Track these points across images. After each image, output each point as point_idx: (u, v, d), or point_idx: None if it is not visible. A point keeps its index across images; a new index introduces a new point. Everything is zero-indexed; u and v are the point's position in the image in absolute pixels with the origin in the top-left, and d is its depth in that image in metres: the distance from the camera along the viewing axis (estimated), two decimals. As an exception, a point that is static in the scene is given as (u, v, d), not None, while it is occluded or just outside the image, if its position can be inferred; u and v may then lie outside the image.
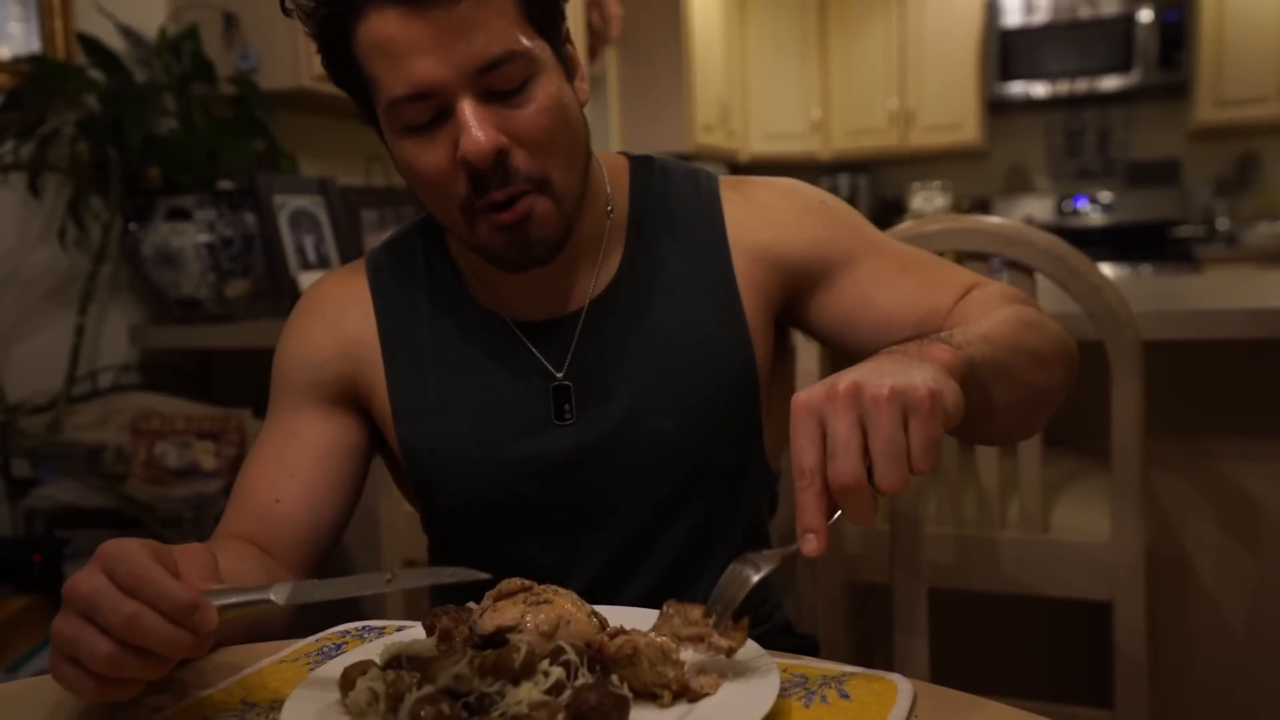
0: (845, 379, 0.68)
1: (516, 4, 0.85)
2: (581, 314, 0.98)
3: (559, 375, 0.97)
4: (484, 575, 0.69)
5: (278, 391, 1.02)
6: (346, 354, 1.00)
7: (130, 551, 0.65)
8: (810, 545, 0.67)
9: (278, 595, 0.67)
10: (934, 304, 0.98)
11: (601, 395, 0.97)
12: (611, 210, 1.00)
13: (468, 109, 0.83)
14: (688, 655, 0.69)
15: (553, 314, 0.98)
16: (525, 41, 0.85)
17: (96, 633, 0.63)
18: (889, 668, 0.73)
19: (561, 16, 0.91)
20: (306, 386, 1.00)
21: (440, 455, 0.98)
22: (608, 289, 0.99)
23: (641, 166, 1.04)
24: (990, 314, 0.90)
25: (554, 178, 0.88)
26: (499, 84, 0.84)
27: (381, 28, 0.82)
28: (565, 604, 0.68)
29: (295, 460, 0.98)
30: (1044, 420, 0.99)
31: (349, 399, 1.01)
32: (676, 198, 1.02)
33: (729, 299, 0.99)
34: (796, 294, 1.02)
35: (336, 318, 1.02)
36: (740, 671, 0.66)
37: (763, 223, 1.01)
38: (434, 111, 0.84)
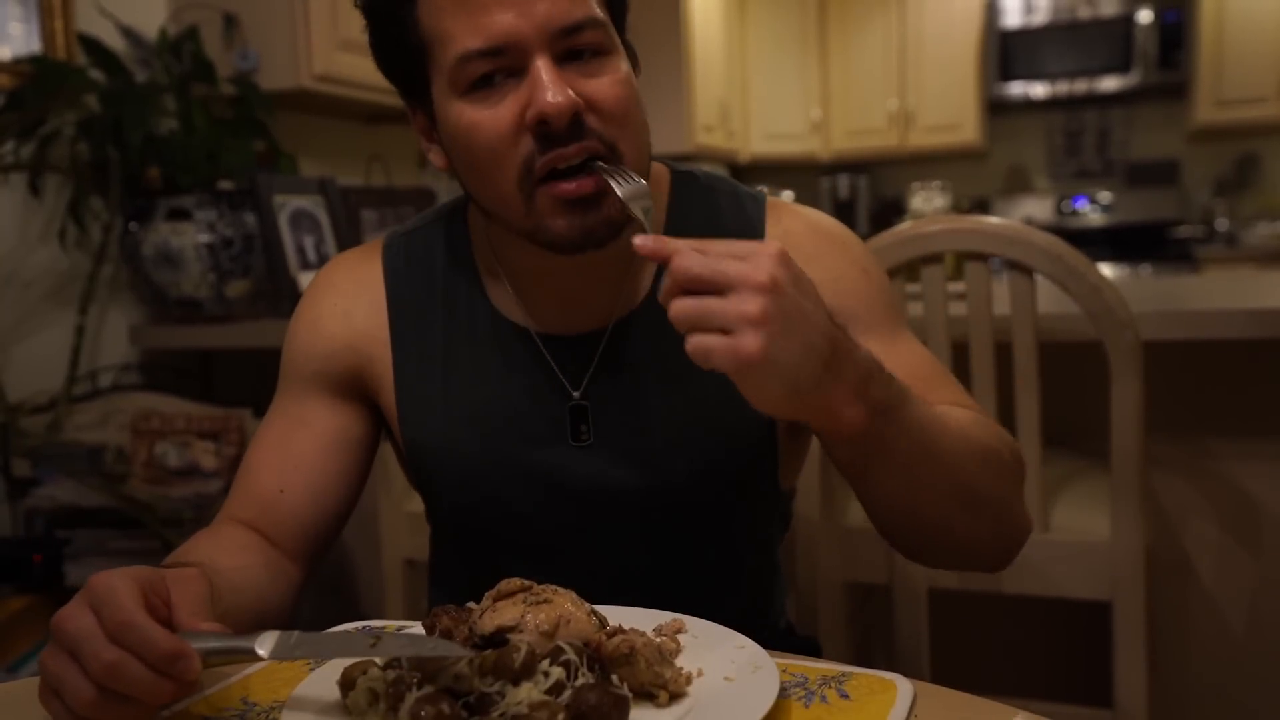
0: (782, 277, 0.67)
1: None
2: (605, 333, 0.94)
3: (575, 394, 0.94)
4: (468, 653, 0.65)
5: (286, 376, 1.01)
6: (354, 347, 0.99)
7: (116, 592, 0.63)
8: (640, 241, 0.69)
9: (262, 648, 0.66)
10: None
11: (619, 422, 0.94)
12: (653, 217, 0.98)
13: (544, 67, 0.80)
14: (686, 653, 0.69)
15: (574, 329, 0.95)
16: (600, 12, 0.83)
17: (79, 675, 0.62)
18: (889, 668, 0.73)
19: (627, 9, 0.90)
20: (314, 375, 0.99)
21: (445, 460, 0.97)
22: (637, 310, 0.95)
23: (684, 180, 1.00)
24: (970, 426, 0.86)
25: (624, 152, 0.83)
26: (577, 45, 0.81)
27: None
28: (565, 603, 0.68)
29: (301, 450, 0.97)
30: (941, 558, 0.91)
31: (356, 390, 1.00)
32: (719, 219, 0.98)
33: None
34: None
35: (348, 307, 1.00)
36: (740, 671, 0.66)
37: (801, 266, 0.98)
38: (505, 70, 0.81)
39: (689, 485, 0.94)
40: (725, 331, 0.66)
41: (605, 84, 0.83)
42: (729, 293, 0.66)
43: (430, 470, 0.98)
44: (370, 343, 0.99)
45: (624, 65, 0.86)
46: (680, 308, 0.67)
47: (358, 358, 0.99)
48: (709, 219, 0.98)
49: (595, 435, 0.94)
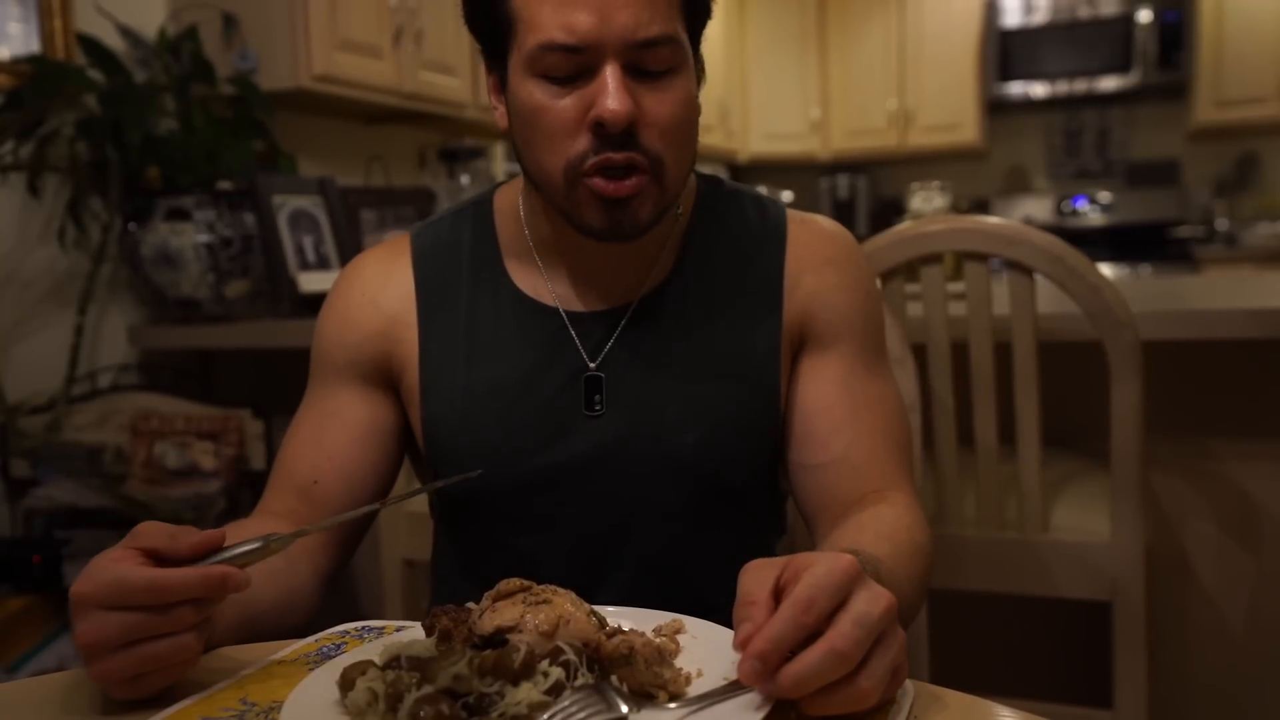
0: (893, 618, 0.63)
1: None
2: (629, 309, 0.98)
3: (592, 366, 0.97)
4: (476, 472, 0.77)
5: (318, 368, 1.03)
6: (384, 334, 1.01)
7: (125, 578, 0.67)
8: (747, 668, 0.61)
9: (276, 544, 0.72)
10: (857, 477, 0.96)
11: (631, 394, 0.97)
12: (681, 213, 1.01)
13: (612, 75, 0.84)
14: (686, 653, 0.69)
15: (600, 304, 0.98)
16: (679, 30, 0.87)
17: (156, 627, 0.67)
18: (888, 668, 0.73)
19: (707, 22, 0.93)
20: (345, 365, 1.01)
21: (462, 434, 0.98)
22: (656, 290, 0.99)
23: (710, 186, 1.05)
24: (914, 540, 0.89)
25: (668, 164, 0.89)
26: (649, 62, 0.86)
27: None
28: (564, 604, 0.68)
29: (334, 442, 0.99)
30: None
31: (385, 379, 1.02)
32: (741, 218, 1.02)
33: (772, 326, 0.99)
34: (797, 345, 1.02)
35: (376, 295, 1.02)
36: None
37: (816, 270, 1.01)
38: (578, 67, 0.85)
39: (694, 460, 0.96)
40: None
41: (667, 101, 0.87)
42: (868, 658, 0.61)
43: (447, 445, 0.99)
44: (398, 327, 1.01)
45: (689, 84, 0.89)
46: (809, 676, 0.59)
47: (387, 343, 1.01)
48: (733, 225, 1.02)
49: (607, 406, 0.96)
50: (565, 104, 0.86)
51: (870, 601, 0.62)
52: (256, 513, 0.98)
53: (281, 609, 0.89)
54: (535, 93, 0.87)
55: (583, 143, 0.86)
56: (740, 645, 0.61)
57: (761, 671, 0.60)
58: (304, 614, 0.93)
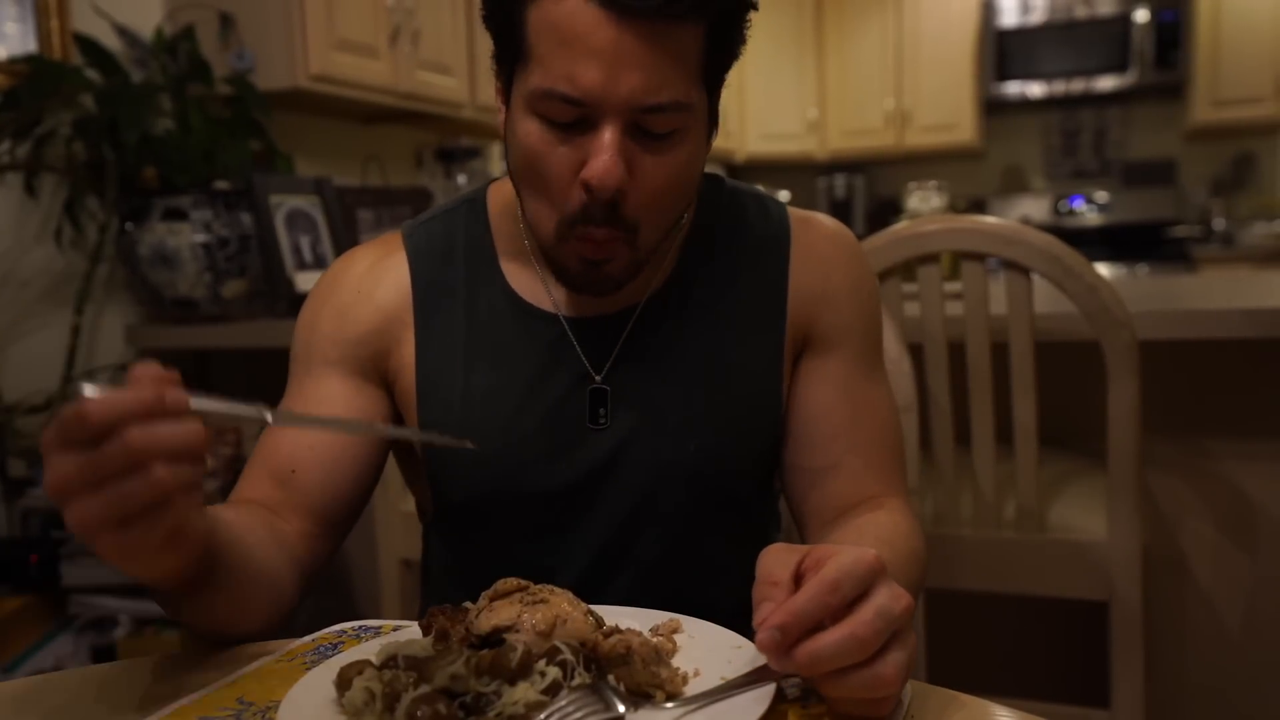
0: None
1: (702, 53, 0.82)
2: (632, 316, 0.96)
3: (598, 378, 0.95)
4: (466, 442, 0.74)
5: (305, 360, 1.00)
6: (382, 331, 0.99)
7: (60, 414, 0.61)
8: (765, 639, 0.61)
9: (271, 416, 0.71)
10: (854, 482, 0.97)
11: (636, 404, 0.95)
12: (685, 221, 0.99)
13: (610, 136, 0.81)
14: (683, 652, 0.69)
15: (600, 309, 0.96)
16: (692, 94, 0.83)
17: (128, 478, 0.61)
18: (885, 667, 0.73)
19: (729, 68, 0.89)
20: (340, 360, 0.98)
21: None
22: (659, 294, 0.97)
23: (710, 185, 1.02)
24: (911, 548, 0.90)
25: (644, 230, 0.86)
26: (651, 125, 0.82)
27: (570, 13, 0.78)
28: (561, 603, 0.68)
29: (317, 431, 0.96)
30: None
31: (377, 375, 1.00)
32: (742, 219, 1.01)
33: (775, 328, 0.98)
34: (799, 348, 1.01)
35: (372, 291, 1.00)
36: (737, 671, 0.66)
37: (820, 272, 1.00)
38: (578, 117, 0.82)
39: (696, 466, 0.96)
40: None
41: (663, 165, 0.84)
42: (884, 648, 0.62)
43: (446, 451, 0.97)
44: (396, 325, 0.99)
45: (693, 146, 0.86)
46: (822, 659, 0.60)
47: (384, 341, 0.99)
48: (736, 226, 1.01)
49: (612, 419, 0.95)
50: (561, 152, 0.83)
51: (892, 598, 0.62)
52: (230, 501, 0.94)
53: (264, 576, 0.84)
54: (533, 133, 0.84)
55: (576, 199, 0.83)
56: (760, 622, 0.61)
57: (780, 642, 0.60)
58: (284, 602, 0.87)
